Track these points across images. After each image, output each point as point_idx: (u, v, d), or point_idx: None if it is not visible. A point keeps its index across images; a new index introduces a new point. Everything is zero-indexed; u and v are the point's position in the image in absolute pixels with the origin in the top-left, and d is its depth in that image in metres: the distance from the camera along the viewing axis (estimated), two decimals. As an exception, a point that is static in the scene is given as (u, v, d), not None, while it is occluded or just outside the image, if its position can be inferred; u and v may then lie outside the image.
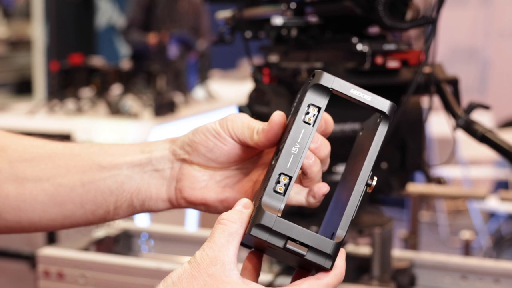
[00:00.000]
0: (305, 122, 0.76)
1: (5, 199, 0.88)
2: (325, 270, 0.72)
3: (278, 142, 0.82)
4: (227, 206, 0.87)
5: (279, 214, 0.72)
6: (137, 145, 0.90)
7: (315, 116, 0.76)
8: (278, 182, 0.74)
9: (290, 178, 0.74)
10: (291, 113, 0.81)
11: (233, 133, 0.84)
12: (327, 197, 0.84)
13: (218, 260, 0.70)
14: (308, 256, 0.71)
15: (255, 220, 0.72)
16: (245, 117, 0.85)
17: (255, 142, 0.83)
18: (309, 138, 0.76)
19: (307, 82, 0.78)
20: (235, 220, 0.73)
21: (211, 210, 0.88)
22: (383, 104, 0.76)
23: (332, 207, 0.81)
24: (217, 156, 0.85)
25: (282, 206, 0.73)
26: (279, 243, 0.71)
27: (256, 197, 0.77)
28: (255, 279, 0.76)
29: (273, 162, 0.77)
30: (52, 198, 0.88)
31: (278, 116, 0.81)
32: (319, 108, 0.76)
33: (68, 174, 0.88)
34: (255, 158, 0.88)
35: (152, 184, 0.87)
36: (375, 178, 0.75)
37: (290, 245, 0.71)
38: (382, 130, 0.76)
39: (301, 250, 0.71)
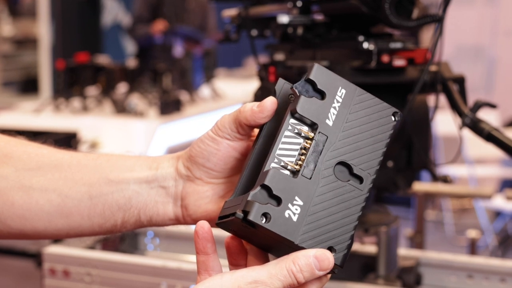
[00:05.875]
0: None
1: (10, 207, 0.87)
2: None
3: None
4: None
5: None
6: (144, 159, 0.88)
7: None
8: None
9: None
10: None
11: (225, 127, 0.82)
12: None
13: None
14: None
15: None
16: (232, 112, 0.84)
17: (254, 113, 0.81)
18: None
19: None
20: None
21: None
22: None
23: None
24: (214, 163, 0.84)
25: None
26: None
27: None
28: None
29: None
30: (58, 209, 0.87)
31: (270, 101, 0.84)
32: None
33: (75, 185, 0.87)
34: None
35: (159, 201, 0.86)
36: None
37: None
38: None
39: None
